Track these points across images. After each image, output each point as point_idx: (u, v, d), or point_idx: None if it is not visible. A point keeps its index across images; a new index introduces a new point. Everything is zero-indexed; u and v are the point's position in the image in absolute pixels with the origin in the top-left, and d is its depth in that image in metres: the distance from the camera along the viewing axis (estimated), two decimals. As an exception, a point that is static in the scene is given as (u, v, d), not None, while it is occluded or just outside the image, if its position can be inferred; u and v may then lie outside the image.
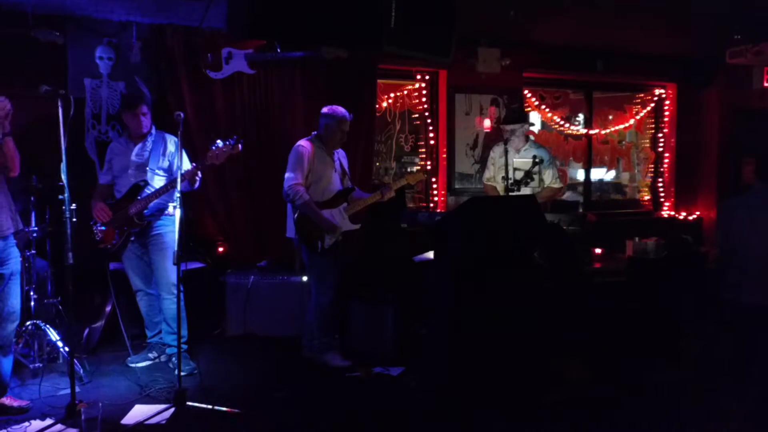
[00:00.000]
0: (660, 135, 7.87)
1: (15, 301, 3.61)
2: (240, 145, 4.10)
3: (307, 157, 4.31)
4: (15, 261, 3.62)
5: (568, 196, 6.89)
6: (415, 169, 6.61)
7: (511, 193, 4.88)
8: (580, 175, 7.67)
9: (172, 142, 4.39)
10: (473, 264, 3.78)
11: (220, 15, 4.68)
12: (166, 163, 4.35)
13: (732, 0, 5.10)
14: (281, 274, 5.13)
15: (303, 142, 4.41)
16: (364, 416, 3.65)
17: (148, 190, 4.26)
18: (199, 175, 4.23)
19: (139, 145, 4.36)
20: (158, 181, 4.30)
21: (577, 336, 4.32)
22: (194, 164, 4.25)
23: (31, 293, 4.17)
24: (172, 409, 3.58)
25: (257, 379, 4.21)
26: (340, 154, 4.60)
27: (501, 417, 3.55)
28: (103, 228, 4.30)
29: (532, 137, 5.45)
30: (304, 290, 4.97)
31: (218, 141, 4.11)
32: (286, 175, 4.30)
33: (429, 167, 6.52)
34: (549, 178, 5.14)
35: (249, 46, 5.30)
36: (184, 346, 4.22)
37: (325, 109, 4.47)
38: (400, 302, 4.78)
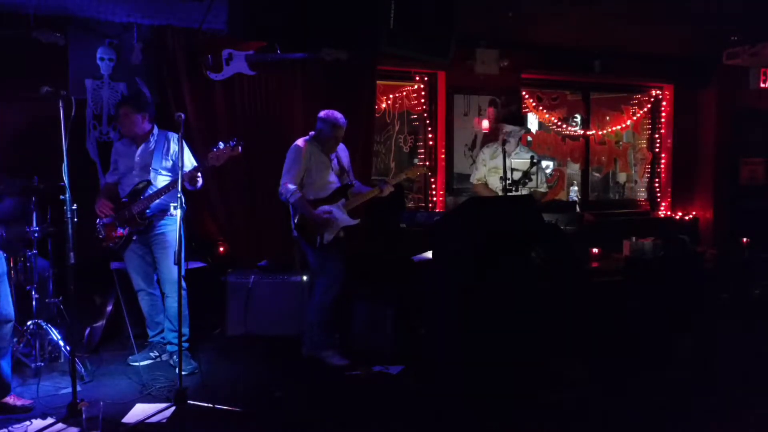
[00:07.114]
0: (657, 135, 7.90)
1: (5, 302, 3.58)
2: (240, 147, 4.16)
3: (303, 156, 4.42)
4: None
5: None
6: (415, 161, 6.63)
7: (508, 194, 4.92)
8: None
9: (174, 141, 4.40)
10: (472, 263, 3.81)
11: (221, 16, 4.71)
12: (170, 163, 4.37)
13: (730, 1, 5.12)
14: (282, 273, 5.14)
15: (299, 142, 4.52)
16: (364, 415, 3.66)
17: (150, 190, 4.28)
18: (200, 175, 4.27)
19: (142, 146, 4.38)
20: (162, 181, 4.32)
21: (576, 336, 4.34)
22: (195, 165, 4.29)
23: (33, 293, 4.17)
24: (173, 408, 3.59)
25: (257, 378, 4.24)
26: (341, 149, 4.66)
27: (500, 416, 3.57)
28: (105, 225, 4.32)
29: (529, 138, 5.53)
30: (304, 290, 4.99)
31: (219, 143, 4.16)
32: (282, 174, 4.40)
33: (428, 167, 6.55)
34: (538, 181, 5.23)
35: (249, 48, 5.31)
36: (186, 344, 4.25)
37: (322, 114, 4.54)
38: (400, 302, 4.81)
